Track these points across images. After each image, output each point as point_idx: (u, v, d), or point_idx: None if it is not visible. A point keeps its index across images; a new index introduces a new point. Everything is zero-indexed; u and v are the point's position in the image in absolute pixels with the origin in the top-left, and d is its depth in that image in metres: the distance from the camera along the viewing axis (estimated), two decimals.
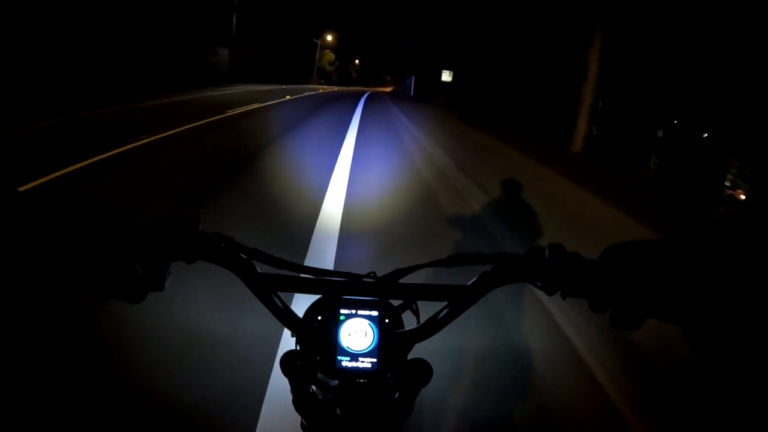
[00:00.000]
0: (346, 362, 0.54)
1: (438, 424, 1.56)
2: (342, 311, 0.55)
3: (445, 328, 0.55)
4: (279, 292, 0.56)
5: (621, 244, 0.48)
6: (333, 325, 0.55)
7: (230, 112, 12.18)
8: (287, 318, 0.55)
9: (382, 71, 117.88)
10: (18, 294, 0.61)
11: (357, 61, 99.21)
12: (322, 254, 3.14)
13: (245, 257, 0.54)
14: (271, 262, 0.57)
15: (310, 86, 39.66)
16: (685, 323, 0.44)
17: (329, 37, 58.85)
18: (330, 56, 60.03)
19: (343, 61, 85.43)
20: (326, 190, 4.88)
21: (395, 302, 0.59)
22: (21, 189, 0.43)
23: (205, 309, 2.19)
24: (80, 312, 1.99)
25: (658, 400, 1.67)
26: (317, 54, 55.15)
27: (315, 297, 0.59)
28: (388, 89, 79.35)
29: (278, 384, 1.69)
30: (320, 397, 0.57)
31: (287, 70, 46.37)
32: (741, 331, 0.41)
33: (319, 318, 0.57)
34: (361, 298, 0.57)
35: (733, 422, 1.41)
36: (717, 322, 0.42)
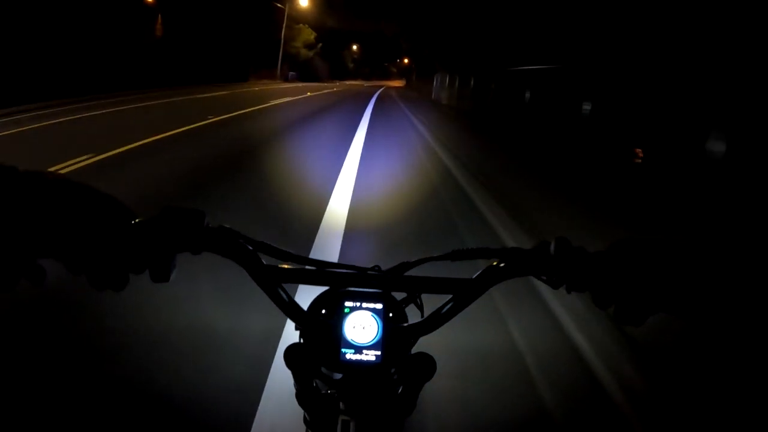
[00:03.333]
0: (350, 354, 0.54)
1: (442, 420, 1.56)
2: (346, 303, 0.55)
3: (450, 323, 0.55)
4: (284, 284, 0.56)
5: (627, 239, 0.48)
6: (337, 317, 0.55)
7: None
8: (292, 310, 0.55)
9: (386, 61, 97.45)
10: (17, 281, 0.43)
11: (355, 47, 77.76)
12: None
13: (251, 249, 0.54)
14: (276, 254, 0.56)
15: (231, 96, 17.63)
16: (690, 319, 0.45)
17: (303, 1, 37.44)
18: (307, 34, 38.83)
19: (336, 46, 64.14)
20: None
21: (399, 296, 0.60)
22: None
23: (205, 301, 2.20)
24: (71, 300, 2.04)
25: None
26: (283, 30, 34.04)
27: (320, 289, 0.60)
28: (395, 84, 58.28)
29: (278, 378, 1.69)
30: (323, 392, 0.58)
31: (228, 60, 25.37)
32: (745, 327, 0.43)
33: (324, 311, 0.58)
34: (365, 290, 0.57)
35: (735, 419, 1.43)
36: (722, 319, 0.44)
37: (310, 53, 39.25)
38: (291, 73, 35.90)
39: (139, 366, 1.75)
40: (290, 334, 1.80)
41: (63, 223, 0.44)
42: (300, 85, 29.81)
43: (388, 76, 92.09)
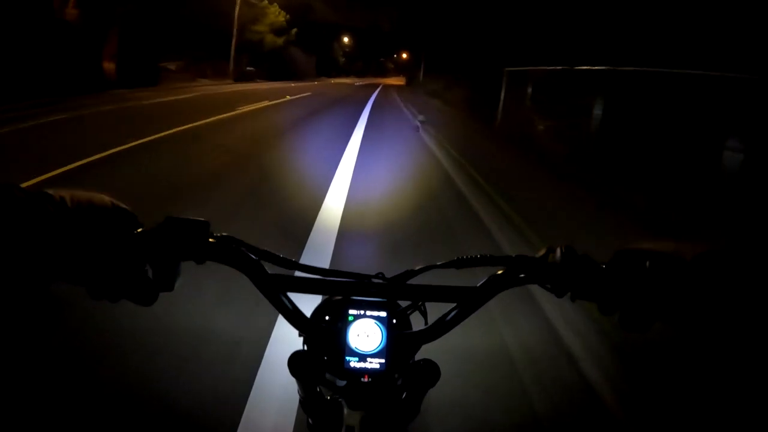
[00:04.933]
0: (354, 363, 0.54)
1: (445, 425, 1.55)
2: (351, 312, 0.55)
3: (454, 329, 0.54)
4: (288, 293, 0.56)
5: (631, 248, 0.49)
6: (341, 325, 0.55)
7: None
8: (296, 318, 0.55)
9: (382, 56, 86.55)
10: (23, 293, 0.42)
11: (346, 39, 66.85)
12: None
13: (255, 258, 0.54)
14: (280, 262, 0.56)
15: None
16: (693, 327, 0.45)
17: None
18: (275, 14, 28.18)
19: (324, 37, 53.87)
20: None
21: (403, 303, 0.59)
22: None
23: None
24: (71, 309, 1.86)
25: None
26: (237, 8, 23.61)
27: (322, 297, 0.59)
28: (394, 81, 48.15)
29: (266, 379, 1.66)
30: (328, 397, 0.59)
31: (135, 52, 15.04)
32: (748, 335, 0.43)
33: (327, 318, 0.57)
34: (369, 299, 0.56)
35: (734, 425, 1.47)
36: (725, 327, 0.44)
37: (279, 41, 28.73)
38: (248, 68, 25.54)
39: (119, 365, 1.72)
40: (280, 335, 1.84)
41: (66, 241, 0.43)
42: (246, 88, 19.53)
43: (385, 73, 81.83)
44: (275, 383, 1.60)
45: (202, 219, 0.51)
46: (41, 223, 0.42)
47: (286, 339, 1.80)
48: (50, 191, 0.45)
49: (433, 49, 26.09)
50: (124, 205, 0.48)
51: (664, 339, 1.63)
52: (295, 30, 30.37)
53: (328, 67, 56.51)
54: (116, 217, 0.47)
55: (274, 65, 28.84)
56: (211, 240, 0.51)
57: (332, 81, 37.79)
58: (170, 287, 0.49)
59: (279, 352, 1.76)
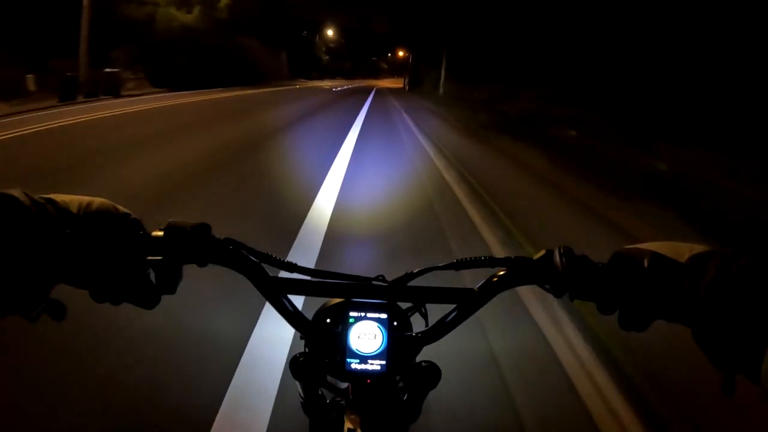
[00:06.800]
0: (355, 364, 0.54)
1: (446, 427, 1.55)
2: (351, 314, 0.55)
3: (455, 331, 0.55)
4: (289, 295, 0.56)
5: (630, 248, 0.49)
6: (342, 327, 0.55)
7: None
8: (297, 321, 0.55)
9: (374, 55, 75.06)
10: (27, 296, 0.42)
11: (330, 32, 54.70)
12: None
13: (256, 261, 0.54)
14: (280, 265, 0.56)
15: None
16: (693, 324, 0.45)
17: None
18: None
19: (298, 28, 42.30)
20: None
21: (404, 305, 0.60)
22: None
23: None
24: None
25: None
26: None
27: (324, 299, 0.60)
28: (389, 83, 36.71)
29: (244, 376, 1.61)
30: (329, 400, 0.59)
31: None
32: (748, 332, 0.43)
33: (328, 320, 0.58)
34: (370, 301, 0.57)
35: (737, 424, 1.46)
36: (725, 323, 0.43)
37: (186, 18, 16.62)
38: (108, 70, 13.47)
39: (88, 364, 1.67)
40: (261, 333, 1.84)
41: (71, 245, 0.43)
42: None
43: (377, 74, 70.04)
44: (252, 386, 1.56)
45: (203, 222, 0.51)
46: (46, 227, 0.42)
47: (265, 342, 1.79)
48: (54, 196, 0.45)
49: (467, 44, 14.66)
50: (127, 210, 0.48)
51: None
52: (225, 2, 18.24)
53: (306, 67, 44.52)
54: (119, 221, 0.47)
55: (196, 62, 16.74)
56: (212, 242, 0.51)
57: (297, 86, 25.55)
58: (172, 290, 0.49)
59: (257, 355, 1.72)
